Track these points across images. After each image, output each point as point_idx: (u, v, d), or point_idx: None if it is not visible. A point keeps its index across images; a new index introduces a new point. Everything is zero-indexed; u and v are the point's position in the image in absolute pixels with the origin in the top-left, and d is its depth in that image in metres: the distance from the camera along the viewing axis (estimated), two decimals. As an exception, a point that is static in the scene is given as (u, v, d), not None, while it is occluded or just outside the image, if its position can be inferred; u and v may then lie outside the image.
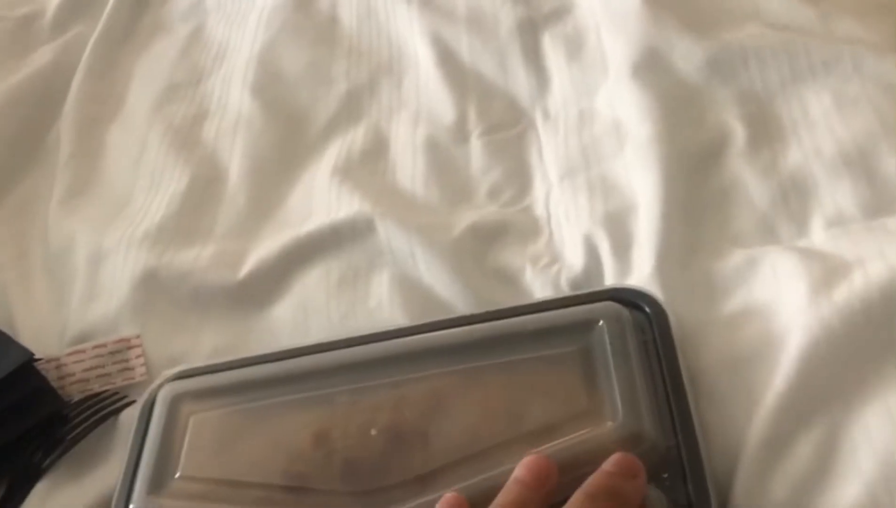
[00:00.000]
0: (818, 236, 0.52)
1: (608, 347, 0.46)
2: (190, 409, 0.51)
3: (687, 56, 0.62)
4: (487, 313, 0.53)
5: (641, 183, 0.58)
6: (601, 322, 0.47)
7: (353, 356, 0.51)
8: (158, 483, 0.48)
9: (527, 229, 0.61)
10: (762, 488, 0.44)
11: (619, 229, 0.57)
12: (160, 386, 0.54)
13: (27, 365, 0.57)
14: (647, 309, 0.50)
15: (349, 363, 0.51)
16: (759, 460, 0.44)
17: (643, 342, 0.48)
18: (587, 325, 0.48)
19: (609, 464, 0.42)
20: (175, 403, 0.52)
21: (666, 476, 0.43)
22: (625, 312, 0.49)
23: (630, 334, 0.47)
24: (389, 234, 0.61)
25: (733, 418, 0.46)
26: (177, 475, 0.48)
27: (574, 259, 0.57)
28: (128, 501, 0.49)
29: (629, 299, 0.50)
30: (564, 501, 0.40)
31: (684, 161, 0.58)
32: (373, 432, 0.46)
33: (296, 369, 0.52)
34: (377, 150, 0.70)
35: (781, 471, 0.44)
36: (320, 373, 0.51)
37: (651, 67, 0.63)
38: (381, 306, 0.58)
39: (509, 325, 0.50)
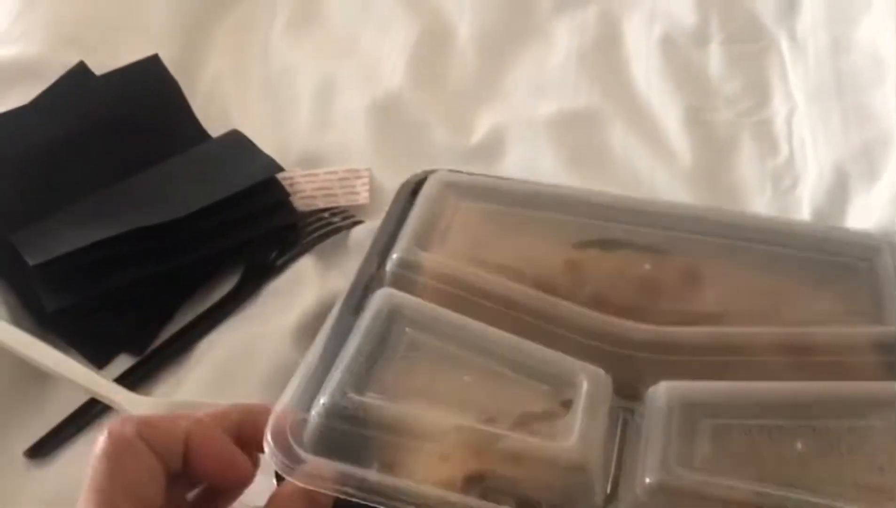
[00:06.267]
0: None
1: (892, 266, 0.46)
2: (459, 198, 0.50)
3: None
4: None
5: (902, 116, 0.58)
6: (884, 246, 0.47)
7: (627, 202, 0.50)
8: (425, 246, 0.47)
9: (765, 141, 0.62)
10: None
11: (873, 159, 0.57)
12: (420, 175, 0.53)
13: (273, 177, 0.59)
14: None
15: (623, 207, 0.50)
16: None
17: None
18: (869, 245, 0.48)
19: None
20: (445, 188, 0.51)
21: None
22: None
23: None
24: (625, 140, 0.62)
25: None
26: (442, 245, 0.47)
27: (820, 183, 0.57)
28: (385, 255, 0.47)
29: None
30: None
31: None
32: (630, 276, 0.46)
33: (568, 195, 0.51)
34: (610, 40, 0.70)
35: None
36: (590, 207, 0.50)
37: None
38: None
39: (787, 222, 0.51)
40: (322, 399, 0.37)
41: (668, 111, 0.64)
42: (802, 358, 0.41)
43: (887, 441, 0.36)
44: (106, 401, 0.51)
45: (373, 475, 0.35)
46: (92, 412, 0.51)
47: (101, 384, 0.51)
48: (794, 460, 0.36)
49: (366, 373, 0.39)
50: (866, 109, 0.60)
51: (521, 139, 0.64)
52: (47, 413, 0.51)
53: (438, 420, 0.37)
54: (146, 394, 0.51)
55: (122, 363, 0.53)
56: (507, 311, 0.43)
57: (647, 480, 0.35)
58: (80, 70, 0.63)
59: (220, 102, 0.70)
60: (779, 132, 0.62)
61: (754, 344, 0.42)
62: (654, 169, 0.60)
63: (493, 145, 0.64)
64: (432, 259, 0.46)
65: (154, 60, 0.65)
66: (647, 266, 0.46)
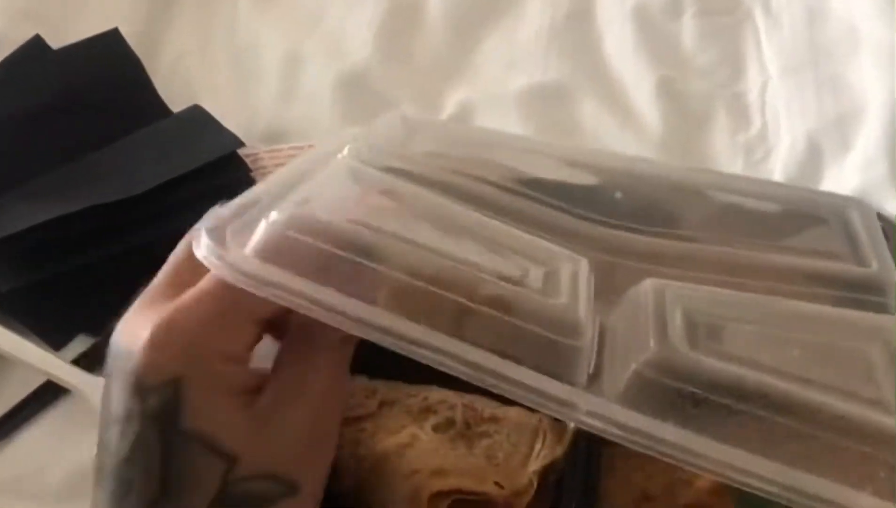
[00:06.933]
0: None
1: (860, 220, 0.45)
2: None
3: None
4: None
5: (876, 86, 0.57)
6: (854, 205, 0.46)
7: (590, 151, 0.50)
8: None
9: (738, 114, 0.61)
10: None
11: (846, 130, 0.57)
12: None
13: (235, 152, 0.57)
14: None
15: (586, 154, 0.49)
16: None
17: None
18: (837, 203, 0.46)
19: None
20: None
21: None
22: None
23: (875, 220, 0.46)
24: (596, 113, 0.62)
25: None
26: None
27: (792, 154, 0.57)
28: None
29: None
30: None
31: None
32: (618, 195, 0.44)
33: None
34: (582, 13, 0.69)
35: None
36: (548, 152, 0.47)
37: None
38: None
39: (754, 179, 0.50)
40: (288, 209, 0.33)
41: (640, 84, 0.63)
42: (781, 286, 0.39)
43: (882, 364, 0.34)
44: (63, 384, 0.49)
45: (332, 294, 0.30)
46: (48, 395, 0.50)
47: (57, 366, 0.50)
48: (794, 363, 0.34)
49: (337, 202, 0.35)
50: (840, 80, 0.59)
51: (490, 114, 0.63)
52: (3, 397, 0.50)
53: (421, 256, 0.32)
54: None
55: (80, 344, 0.52)
56: (477, 210, 0.39)
57: (645, 356, 0.31)
58: (36, 44, 0.61)
59: (184, 78, 0.68)
60: (752, 104, 0.61)
61: (737, 264, 0.40)
62: (625, 141, 0.59)
63: (462, 121, 0.62)
64: (389, 153, 0.41)
65: (114, 34, 0.63)
66: (619, 195, 0.44)
